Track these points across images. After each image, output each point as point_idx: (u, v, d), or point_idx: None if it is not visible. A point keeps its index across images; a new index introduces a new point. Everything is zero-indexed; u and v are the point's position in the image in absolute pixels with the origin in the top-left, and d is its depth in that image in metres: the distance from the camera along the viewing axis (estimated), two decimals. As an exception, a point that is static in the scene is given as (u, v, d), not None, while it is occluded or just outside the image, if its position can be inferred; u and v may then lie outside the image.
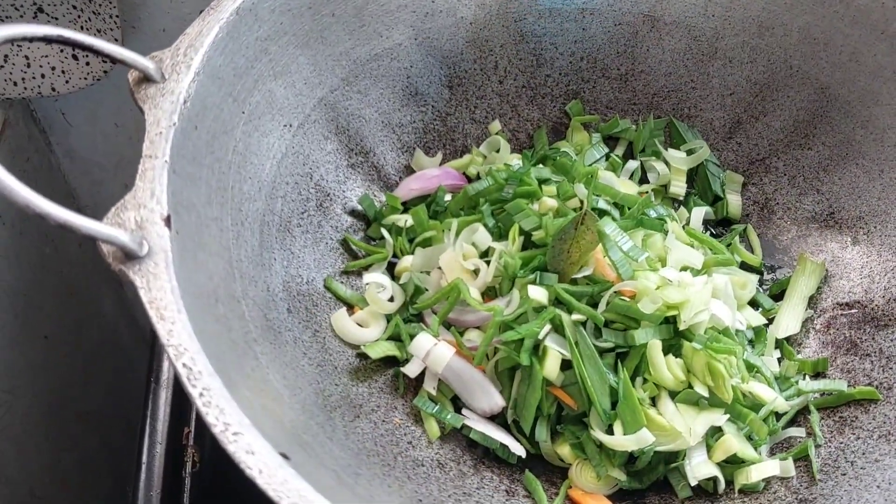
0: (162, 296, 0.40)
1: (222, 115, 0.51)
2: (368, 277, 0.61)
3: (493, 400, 0.55)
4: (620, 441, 0.52)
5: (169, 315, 0.39)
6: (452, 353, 0.56)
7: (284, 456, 0.38)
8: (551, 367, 0.53)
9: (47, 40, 0.45)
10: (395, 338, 0.58)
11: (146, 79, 0.48)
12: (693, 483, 0.53)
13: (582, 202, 0.60)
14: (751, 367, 0.58)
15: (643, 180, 0.69)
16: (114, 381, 1.02)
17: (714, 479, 0.54)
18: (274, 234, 0.56)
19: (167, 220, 0.43)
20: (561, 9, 0.68)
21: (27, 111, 0.92)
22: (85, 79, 0.84)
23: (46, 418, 0.91)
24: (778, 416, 0.58)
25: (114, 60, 0.48)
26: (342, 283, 0.60)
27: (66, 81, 0.85)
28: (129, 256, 0.41)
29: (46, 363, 0.91)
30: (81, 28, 0.82)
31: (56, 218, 0.40)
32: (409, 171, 0.67)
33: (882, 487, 0.51)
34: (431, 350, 0.56)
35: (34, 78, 0.82)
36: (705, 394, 0.54)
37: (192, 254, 0.45)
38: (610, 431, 0.53)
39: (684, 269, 0.58)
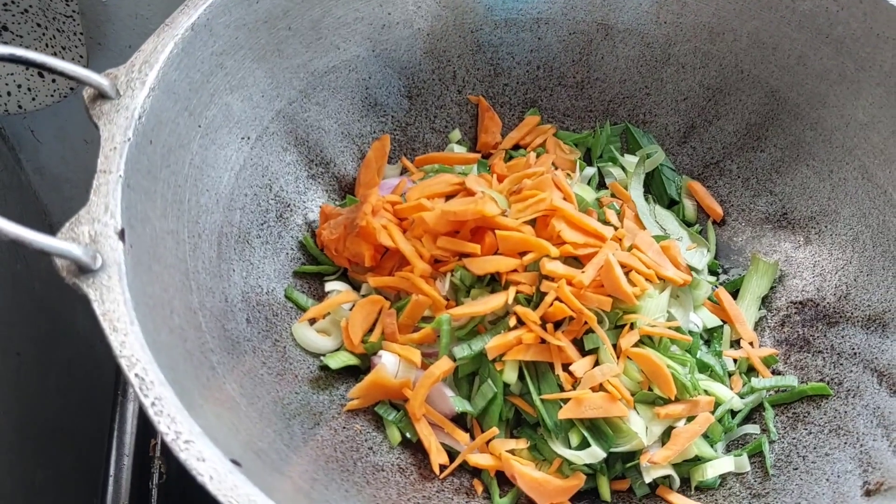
0: (115, 308, 0.41)
1: (178, 129, 0.52)
2: (330, 286, 0.62)
3: (450, 405, 0.56)
4: (576, 454, 0.53)
5: (121, 327, 0.40)
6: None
7: (236, 462, 0.39)
8: (510, 375, 0.54)
9: (0, 59, 0.46)
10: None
11: (101, 95, 0.49)
12: (648, 481, 0.54)
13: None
14: (705, 367, 0.59)
15: (601, 185, 0.70)
16: (87, 396, 1.02)
17: (669, 477, 0.55)
18: (232, 246, 0.56)
19: (121, 234, 0.43)
20: (516, 19, 0.69)
21: (-5, 129, 0.92)
22: (51, 96, 0.85)
23: (19, 436, 0.91)
24: (734, 413, 0.59)
25: (68, 77, 0.49)
26: (303, 292, 0.61)
27: (33, 99, 0.85)
28: (83, 270, 0.42)
29: (19, 380, 0.91)
30: (46, 46, 0.83)
31: (8, 233, 0.40)
32: (371, 180, 0.68)
33: (831, 480, 0.53)
34: (391, 360, 0.56)
35: (0, 96, 0.83)
36: (661, 394, 0.55)
37: (147, 266, 0.45)
38: (567, 439, 0.54)
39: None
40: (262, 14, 0.58)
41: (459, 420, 0.57)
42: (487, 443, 0.55)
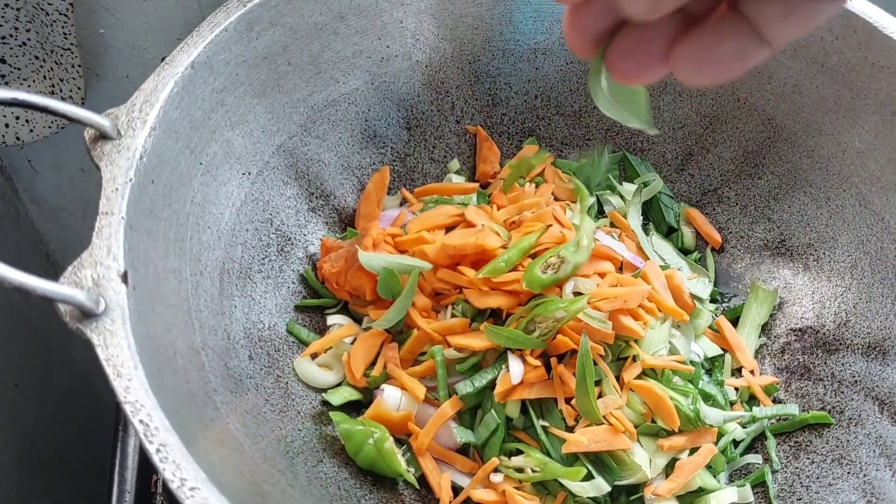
0: (118, 353, 0.41)
1: (179, 167, 0.52)
2: (332, 319, 0.62)
3: (453, 436, 0.56)
4: (579, 487, 0.53)
5: (125, 372, 0.40)
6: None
7: (241, 509, 0.39)
8: (513, 410, 0.55)
9: (3, 103, 0.46)
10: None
11: (102, 136, 0.49)
12: (653, 514, 0.54)
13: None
14: (707, 397, 0.59)
15: (600, 213, 0.70)
16: (85, 426, 1.02)
17: (674, 509, 0.55)
18: (234, 282, 0.56)
19: (124, 277, 0.43)
20: (514, 49, 0.70)
21: (-7, 160, 0.92)
22: (49, 127, 0.85)
23: (17, 466, 0.90)
24: (736, 443, 0.59)
25: (70, 119, 0.49)
26: (305, 326, 0.61)
27: (31, 130, 0.85)
28: (86, 314, 0.42)
29: (16, 410, 0.90)
30: (44, 78, 0.83)
31: (12, 281, 0.41)
32: (371, 212, 0.68)
33: (835, 511, 0.53)
34: (393, 394, 0.56)
35: (-2, 128, 0.83)
36: (665, 426, 0.55)
37: (150, 307, 0.45)
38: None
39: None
40: (261, 50, 0.58)
41: (462, 452, 0.57)
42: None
